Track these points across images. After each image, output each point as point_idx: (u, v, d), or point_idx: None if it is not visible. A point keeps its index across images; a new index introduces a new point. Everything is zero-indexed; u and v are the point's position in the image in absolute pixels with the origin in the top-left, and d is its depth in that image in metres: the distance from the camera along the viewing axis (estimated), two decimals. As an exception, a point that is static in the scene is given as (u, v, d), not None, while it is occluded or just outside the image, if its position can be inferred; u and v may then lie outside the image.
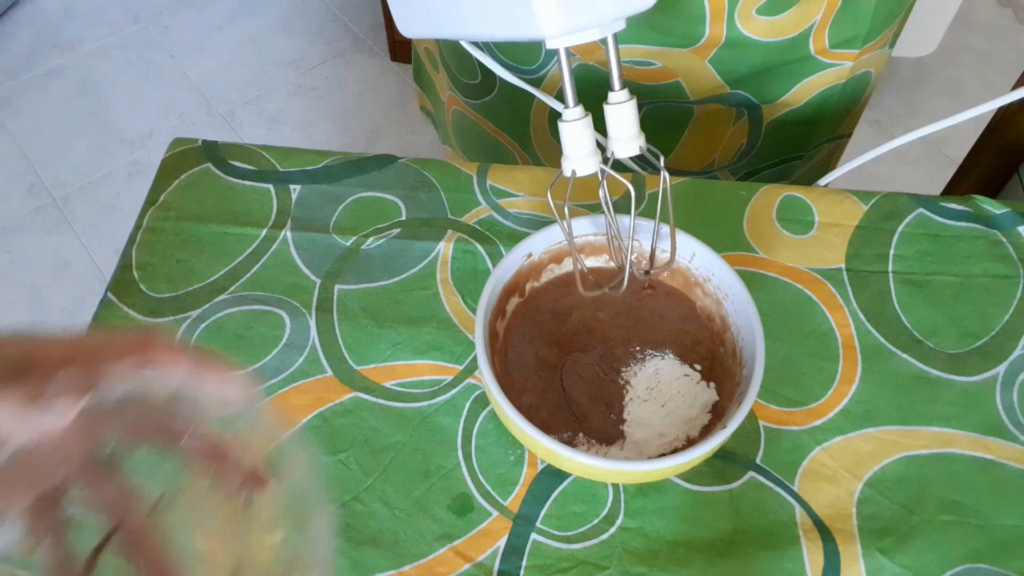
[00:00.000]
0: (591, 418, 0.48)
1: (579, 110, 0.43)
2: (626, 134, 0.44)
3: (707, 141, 0.68)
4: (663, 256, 0.51)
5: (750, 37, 0.57)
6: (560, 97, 0.46)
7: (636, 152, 0.44)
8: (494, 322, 0.49)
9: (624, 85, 0.43)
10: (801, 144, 0.70)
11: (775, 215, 0.59)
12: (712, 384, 0.49)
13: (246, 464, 0.32)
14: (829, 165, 0.77)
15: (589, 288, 0.48)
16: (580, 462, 0.42)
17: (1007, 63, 1.77)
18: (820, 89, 0.64)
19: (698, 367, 0.49)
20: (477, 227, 0.57)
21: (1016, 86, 0.84)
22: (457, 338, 0.53)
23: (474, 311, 0.53)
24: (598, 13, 0.39)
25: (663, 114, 0.64)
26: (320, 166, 0.60)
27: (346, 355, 0.52)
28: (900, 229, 0.58)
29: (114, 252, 1.49)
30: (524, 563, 0.45)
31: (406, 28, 0.50)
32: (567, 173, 0.45)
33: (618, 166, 0.60)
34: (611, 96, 0.44)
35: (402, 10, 0.49)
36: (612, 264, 0.52)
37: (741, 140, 0.68)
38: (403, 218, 0.58)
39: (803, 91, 0.64)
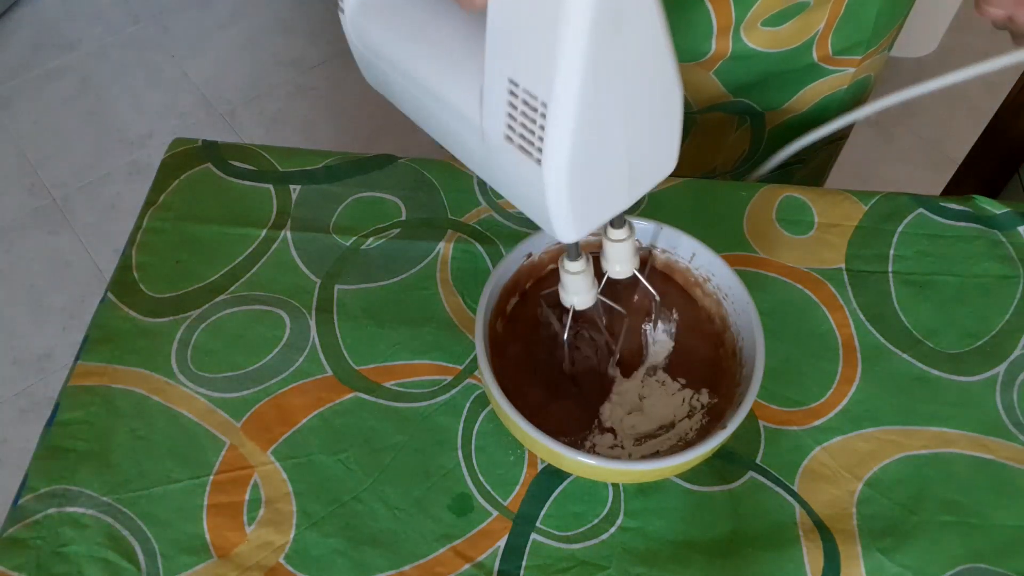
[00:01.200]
0: (590, 415, 0.48)
1: (581, 263, 0.43)
2: (622, 261, 0.44)
3: (709, 148, 0.68)
4: (664, 257, 0.51)
5: (755, 49, 0.57)
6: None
7: (629, 275, 0.44)
8: (494, 322, 0.49)
9: (625, 223, 0.42)
10: (802, 149, 0.70)
11: (775, 215, 0.59)
12: (709, 385, 0.49)
13: None
14: (828, 166, 0.77)
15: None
16: (580, 462, 0.42)
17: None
18: (822, 96, 0.64)
19: (697, 367, 0.49)
20: (477, 227, 0.57)
21: (1016, 85, 0.84)
22: (457, 338, 0.53)
23: (474, 311, 0.53)
24: (612, 211, 0.37)
25: None
26: (320, 166, 0.60)
27: (346, 355, 0.52)
28: (900, 229, 0.58)
29: (114, 252, 1.49)
30: (524, 563, 0.45)
31: (372, 80, 0.43)
32: (566, 304, 0.44)
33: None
34: (611, 232, 0.43)
35: (367, 68, 0.42)
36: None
37: (743, 146, 0.68)
38: (403, 218, 0.58)
39: (805, 98, 0.64)
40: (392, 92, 0.41)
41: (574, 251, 0.42)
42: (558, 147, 0.31)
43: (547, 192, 0.32)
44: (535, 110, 0.30)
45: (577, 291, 0.44)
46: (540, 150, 0.31)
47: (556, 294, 0.45)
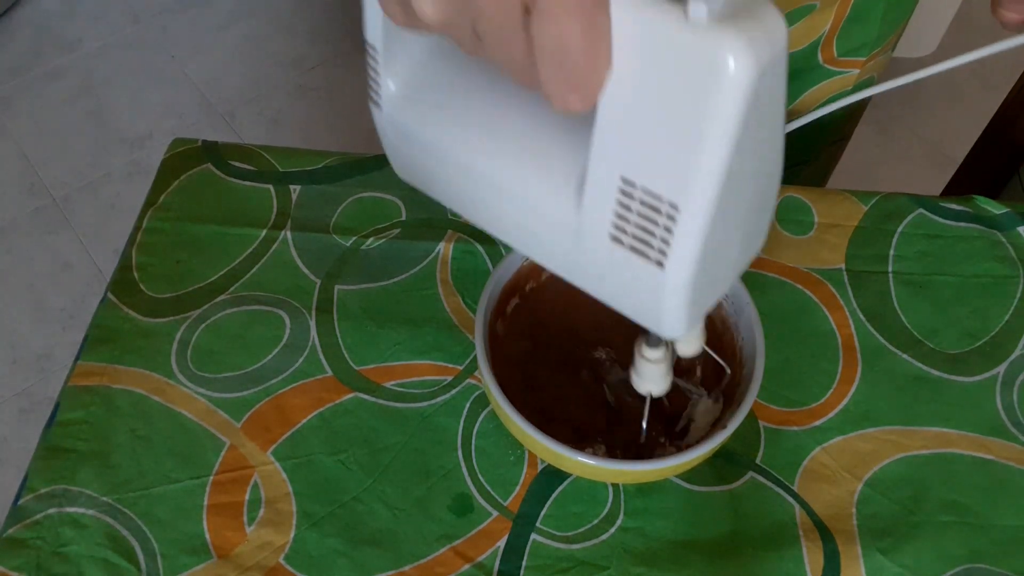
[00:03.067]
0: (591, 417, 0.48)
1: (661, 350, 0.40)
2: (656, 380, 0.42)
3: None
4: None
5: None
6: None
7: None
8: (494, 322, 0.49)
9: (661, 342, 0.40)
10: (806, 150, 0.70)
11: (775, 215, 0.59)
12: (711, 387, 0.49)
13: None
14: (830, 167, 0.78)
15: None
16: (580, 462, 0.42)
17: (1007, 64, 1.77)
18: (826, 97, 0.64)
19: (698, 368, 0.49)
20: (477, 227, 0.57)
21: (1016, 85, 0.84)
22: (457, 338, 0.53)
23: (474, 311, 0.53)
24: (717, 298, 0.34)
25: None
26: (320, 166, 0.60)
27: (346, 355, 0.52)
28: (900, 229, 0.58)
29: (114, 252, 1.49)
30: (524, 563, 0.45)
31: (407, 174, 0.40)
32: (642, 392, 0.42)
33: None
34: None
35: (404, 164, 0.39)
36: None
37: None
38: (403, 218, 0.58)
39: (810, 99, 0.64)
40: (438, 189, 0.38)
41: (655, 338, 0.40)
42: (686, 249, 0.28)
43: (666, 294, 0.30)
44: (657, 211, 0.28)
45: (655, 379, 0.42)
46: (663, 252, 0.29)
47: (625, 381, 0.43)
